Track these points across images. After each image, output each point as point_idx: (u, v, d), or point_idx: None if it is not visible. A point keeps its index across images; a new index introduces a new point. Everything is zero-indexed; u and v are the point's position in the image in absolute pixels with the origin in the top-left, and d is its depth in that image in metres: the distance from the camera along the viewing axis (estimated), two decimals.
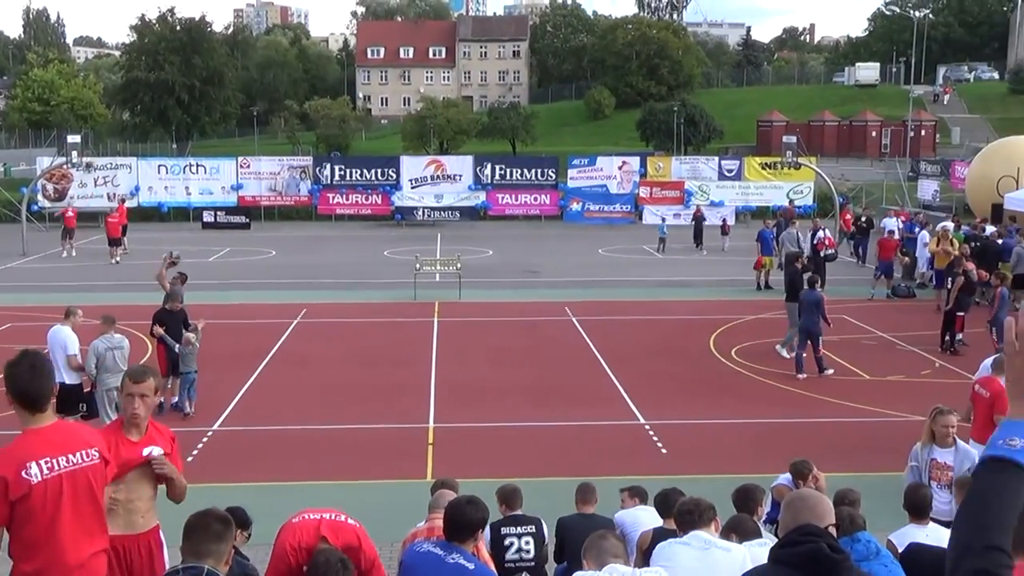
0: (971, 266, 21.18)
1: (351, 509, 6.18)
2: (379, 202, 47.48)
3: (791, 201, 42.47)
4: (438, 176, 47.76)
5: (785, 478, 8.87)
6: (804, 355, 18.53)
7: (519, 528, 7.85)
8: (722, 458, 13.72)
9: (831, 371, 18.44)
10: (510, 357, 20.20)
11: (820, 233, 27.77)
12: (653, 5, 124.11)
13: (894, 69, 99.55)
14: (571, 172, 48.26)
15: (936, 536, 7.12)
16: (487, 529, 7.54)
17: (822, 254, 27.35)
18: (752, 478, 9.12)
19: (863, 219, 33.63)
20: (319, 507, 6.05)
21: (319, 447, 14.52)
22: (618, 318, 24.40)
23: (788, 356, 19.51)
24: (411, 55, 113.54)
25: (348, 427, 15.49)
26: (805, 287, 18.99)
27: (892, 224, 30.87)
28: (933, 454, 9.19)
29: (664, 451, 14.37)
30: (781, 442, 14.07)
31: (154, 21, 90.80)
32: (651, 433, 15.15)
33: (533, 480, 11.69)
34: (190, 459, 12.96)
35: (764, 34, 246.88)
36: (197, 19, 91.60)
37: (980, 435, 11.74)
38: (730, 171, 48.18)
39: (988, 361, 13.23)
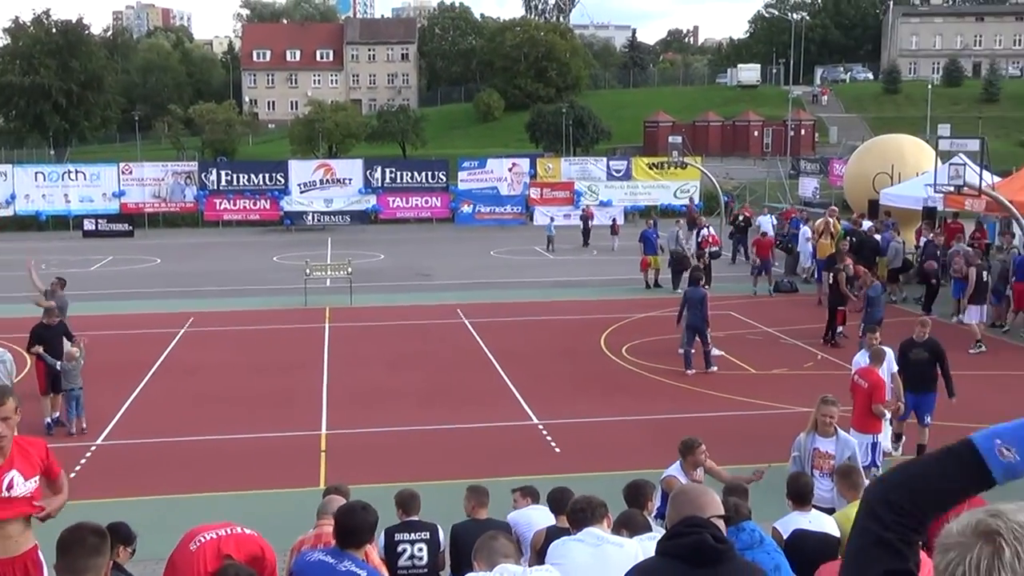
0: (849, 261, 21.83)
1: (242, 521, 6.06)
2: (267, 207, 46.81)
3: (692, 200, 43.26)
4: (327, 180, 47.30)
5: (674, 469, 9.01)
6: (692, 351, 18.86)
7: (413, 534, 7.78)
8: (615, 455, 13.87)
9: (715, 368, 18.80)
10: (403, 361, 20.09)
11: (704, 231, 28.36)
12: (540, 7, 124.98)
13: (774, 70, 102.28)
14: (461, 174, 48.30)
15: (818, 522, 7.32)
16: (381, 534, 7.47)
17: (707, 252, 27.93)
18: (644, 473, 9.25)
19: (741, 218, 34.30)
20: (209, 522, 5.90)
21: (208, 458, 14.21)
22: (510, 319, 24.50)
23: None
24: (298, 58, 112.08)
25: (238, 437, 15.20)
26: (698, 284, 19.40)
27: (767, 222, 31.59)
28: (815, 443, 9.45)
29: (558, 450, 14.46)
30: (672, 437, 14.13)
31: (28, 23, 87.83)
32: (544, 433, 15.24)
33: (428, 484, 11.63)
34: (73, 475, 12.53)
35: (649, 36, 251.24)
36: (74, 21, 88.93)
37: (860, 424, 12.13)
38: (618, 171, 48.84)
39: (860, 355, 13.67)
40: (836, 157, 52.71)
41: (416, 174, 48.56)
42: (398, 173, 48.34)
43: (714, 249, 28.48)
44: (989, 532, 1.61)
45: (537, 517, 7.95)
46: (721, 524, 3.53)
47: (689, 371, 18.61)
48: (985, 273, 21.45)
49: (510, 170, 48.68)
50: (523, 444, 14.78)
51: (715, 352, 19.08)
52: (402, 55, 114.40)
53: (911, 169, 31.53)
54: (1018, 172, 29.90)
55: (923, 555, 2.19)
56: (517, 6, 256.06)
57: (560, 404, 16.71)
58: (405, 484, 9.15)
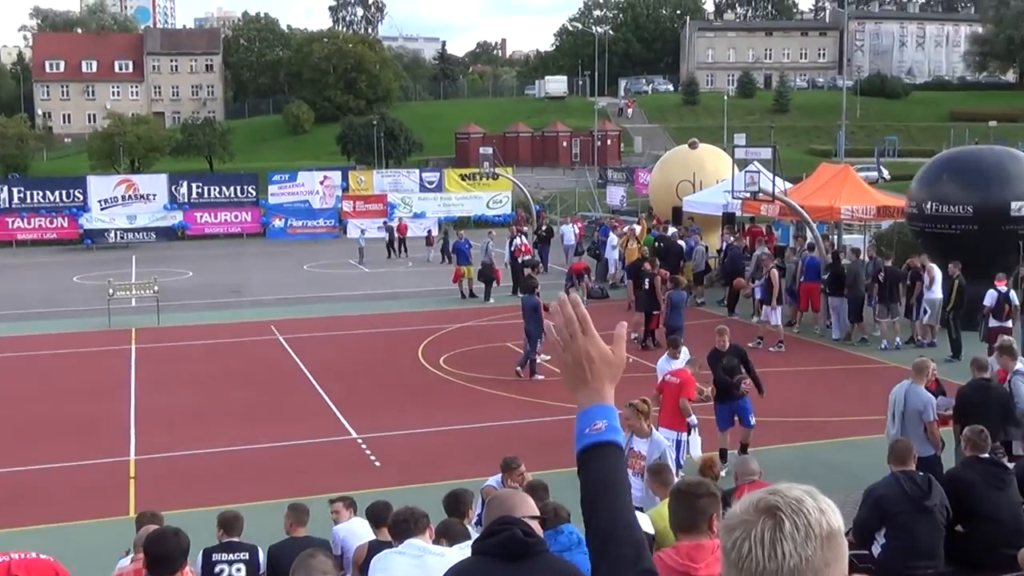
0: (647, 266, 22.54)
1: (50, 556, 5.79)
2: (65, 225, 44.70)
3: (521, 208, 43.78)
4: (130, 196, 45.58)
5: (494, 479, 9.12)
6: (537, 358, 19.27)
7: (231, 555, 7.62)
8: (435, 466, 13.90)
9: (540, 376, 19.20)
10: (215, 381, 19.56)
11: (517, 240, 28.80)
12: (348, 19, 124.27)
13: (580, 82, 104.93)
14: (272, 188, 47.45)
15: (643, 522, 7.53)
16: (199, 555, 7.29)
17: (519, 260, 28.38)
18: (465, 483, 9.33)
19: (544, 227, 34.79)
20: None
21: (9, 492, 13.44)
22: (326, 334, 24.21)
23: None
24: (95, 69, 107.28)
25: (41, 467, 14.45)
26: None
27: (569, 232, 32.29)
28: (632, 443, 9.75)
29: (378, 464, 14.39)
30: (491, 445, 14.42)
31: None
32: (364, 447, 15.13)
33: (248, 505, 11.36)
34: None
35: (459, 48, 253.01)
36: None
37: (668, 421, 12.56)
38: (431, 183, 49.03)
39: (664, 360, 14.10)
40: (641, 166, 54.52)
41: (224, 188, 47.38)
42: (205, 188, 47.04)
43: (527, 258, 28.95)
44: (769, 507, 1.76)
45: (360, 531, 7.91)
46: (535, 524, 3.60)
47: (536, 376, 19.11)
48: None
49: (322, 183, 48.15)
50: (343, 459, 14.63)
51: (540, 359, 19.45)
52: (206, 66, 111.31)
53: (711, 177, 32.90)
54: (808, 178, 31.63)
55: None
56: (325, 17, 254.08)
57: (379, 417, 16.63)
58: (222, 507, 8.92)
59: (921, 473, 7.42)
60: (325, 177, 48.85)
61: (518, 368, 19.31)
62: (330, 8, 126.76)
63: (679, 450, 12.40)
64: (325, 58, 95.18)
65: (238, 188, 47.45)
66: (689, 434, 12.55)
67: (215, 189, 47.21)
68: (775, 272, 22.14)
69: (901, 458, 7.52)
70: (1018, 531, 7.29)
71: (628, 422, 9.81)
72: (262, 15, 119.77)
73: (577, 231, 34.01)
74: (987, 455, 7.96)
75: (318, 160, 72.60)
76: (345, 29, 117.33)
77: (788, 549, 1.71)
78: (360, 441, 15.43)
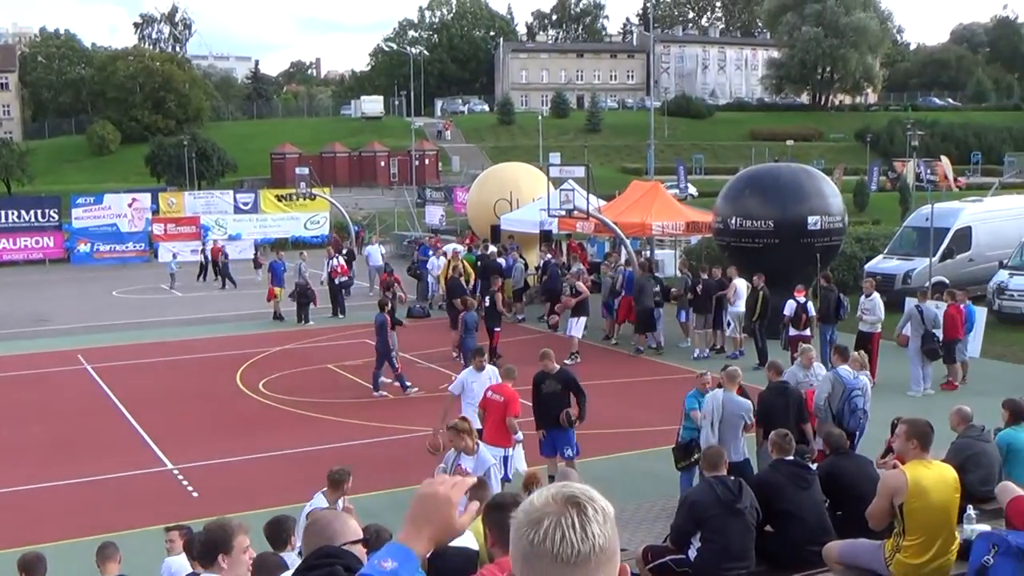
0: (494, 285, 22.73)
1: None
2: None
3: (337, 229, 43.17)
4: None
5: (318, 500, 8.99)
6: (399, 371, 19.30)
7: None
8: (256, 493, 13.57)
9: (381, 394, 19.18)
10: (18, 415, 18.52)
11: (333, 261, 28.49)
12: (154, 36, 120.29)
13: (397, 102, 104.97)
14: (76, 212, 45.40)
15: (467, 539, 7.52)
16: None
17: (336, 282, 28.08)
18: (288, 509, 9.14)
19: (345, 250, 33.43)
20: None
21: None
22: (138, 362, 23.30)
23: (391, 381, 19.86)
24: None
25: None
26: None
27: (375, 252, 32.13)
28: (460, 461, 9.81)
29: (196, 494, 13.93)
30: (315, 469, 14.15)
31: None
32: (180, 478, 14.63)
33: (55, 545, 10.81)
34: None
35: (272, 67, 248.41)
36: None
37: (492, 438, 12.63)
38: (246, 204, 47.99)
39: (468, 372, 14.16)
40: (459, 185, 54.86)
41: (24, 212, 45.05)
42: (3, 212, 44.62)
43: (344, 279, 28.68)
44: (570, 497, 1.97)
45: (184, 563, 7.64)
46: (358, 550, 3.52)
47: (411, 389, 19.29)
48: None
49: (130, 205, 46.41)
50: (158, 492, 14.09)
51: (383, 380, 19.43)
52: (1, 84, 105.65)
53: (527, 195, 33.43)
54: (620, 195, 32.58)
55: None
56: (130, 34, 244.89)
57: (196, 446, 16.11)
58: (24, 548, 8.44)
59: (732, 477, 7.73)
60: (134, 199, 47.10)
61: (375, 393, 19.40)
62: (135, 25, 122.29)
63: (506, 466, 12.51)
64: (131, 76, 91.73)
65: (39, 212, 45.19)
66: (513, 449, 12.68)
67: (13, 213, 44.84)
68: (580, 285, 22.70)
69: (714, 464, 7.82)
70: (822, 528, 7.69)
71: (453, 444, 9.86)
72: (62, 31, 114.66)
73: (383, 251, 33.86)
74: (791, 457, 8.37)
75: (126, 182, 69.86)
76: (151, 47, 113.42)
77: (596, 531, 1.93)
78: (176, 472, 14.91)
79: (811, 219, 22.90)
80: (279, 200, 48.23)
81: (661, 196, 28.96)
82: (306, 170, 41.10)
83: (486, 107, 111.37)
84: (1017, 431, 9.90)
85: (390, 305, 20.52)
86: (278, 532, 7.17)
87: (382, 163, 78.05)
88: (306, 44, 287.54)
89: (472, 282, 25.97)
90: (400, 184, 69.48)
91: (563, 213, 25.40)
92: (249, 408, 18.76)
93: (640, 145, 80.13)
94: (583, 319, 22.59)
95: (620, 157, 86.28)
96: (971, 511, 7.17)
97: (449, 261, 26.61)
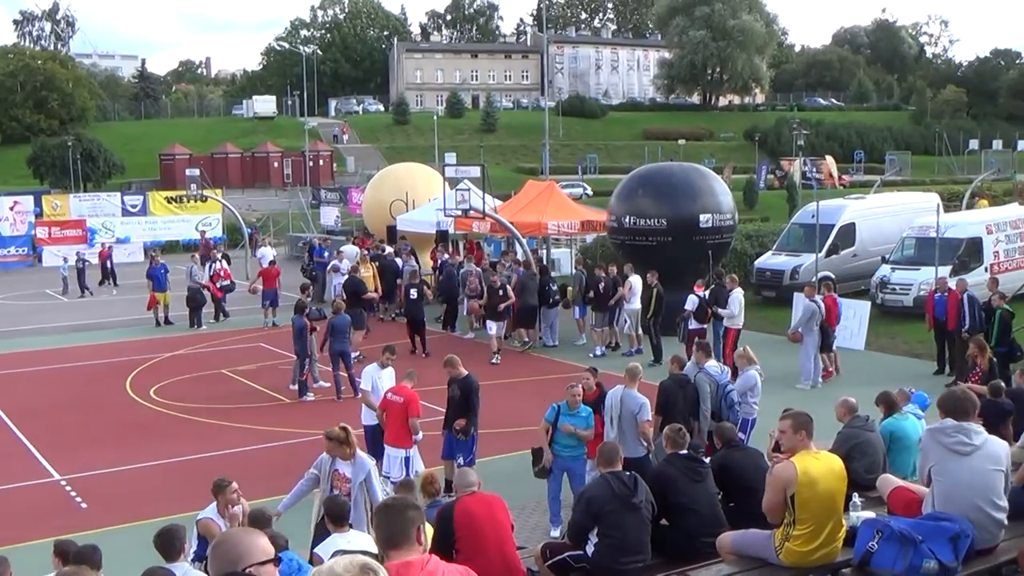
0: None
1: None
2: None
3: (203, 233, 42.29)
4: None
5: (210, 511, 8.83)
6: (305, 378, 19.02)
7: None
8: (147, 503, 13.24)
9: (308, 397, 18.96)
10: None
11: (216, 264, 27.95)
12: (35, 34, 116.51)
13: (290, 102, 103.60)
14: None
15: (358, 542, 7.46)
16: None
17: (219, 285, 27.55)
18: (180, 518, 8.94)
19: (220, 254, 31.58)
20: None
21: None
22: (22, 371, 22.51)
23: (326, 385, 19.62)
24: None
25: None
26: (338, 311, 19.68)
27: (268, 253, 31.70)
28: (335, 466, 9.73)
29: (84, 505, 13.52)
30: (208, 476, 13.85)
31: None
32: (68, 489, 14.18)
33: None
34: None
35: (160, 67, 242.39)
36: None
37: (394, 439, 12.55)
38: (135, 206, 46.83)
39: (372, 367, 14.09)
40: (354, 186, 54.41)
41: None
42: None
43: (226, 283, 28.14)
44: (366, 566, 2.49)
45: None
46: (267, 571, 3.38)
47: (328, 393, 19.08)
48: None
49: (11, 209, 44.88)
50: (45, 504, 13.62)
51: (305, 383, 19.27)
52: None
53: (423, 195, 33.32)
54: (516, 195, 32.70)
55: None
56: (9, 32, 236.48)
57: (85, 456, 15.62)
58: None
59: (628, 472, 7.81)
60: (15, 203, 45.54)
61: (291, 387, 19.35)
62: (15, 22, 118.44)
63: (408, 467, 12.44)
64: (10, 75, 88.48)
65: None
66: (412, 448, 12.63)
67: None
68: (509, 289, 22.59)
69: (609, 460, 7.88)
70: (715, 520, 7.83)
71: (329, 451, 9.77)
72: None
73: (275, 253, 33.42)
74: (685, 451, 8.51)
75: (6, 184, 67.41)
76: (32, 45, 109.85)
77: None
78: (63, 482, 14.44)
79: (703, 217, 23.32)
80: (169, 202, 47.16)
81: (556, 196, 29.14)
82: (196, 171, 40.11)
83: (381, 107, 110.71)
84: (899, 420, 10.24)
85: (309, 308, 20.29)
86: (169, 542, 6.98)
87: (275, 164, 76.93)
88: (195, 43, 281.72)
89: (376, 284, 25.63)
90: (294, 185, 68.58)
91: (459, 213, 25.34)
92: (139, 416, 18.28)
93: (535, 145, 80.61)
94: (503, 322, 22.64)
95: (516, 157, 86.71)
96: (856, 499, 7.38)
97: (359, 262, 26.11)
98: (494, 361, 21.42)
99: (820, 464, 6.63)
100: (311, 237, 37.30)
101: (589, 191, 60.71)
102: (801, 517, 6.54)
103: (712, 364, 13.16)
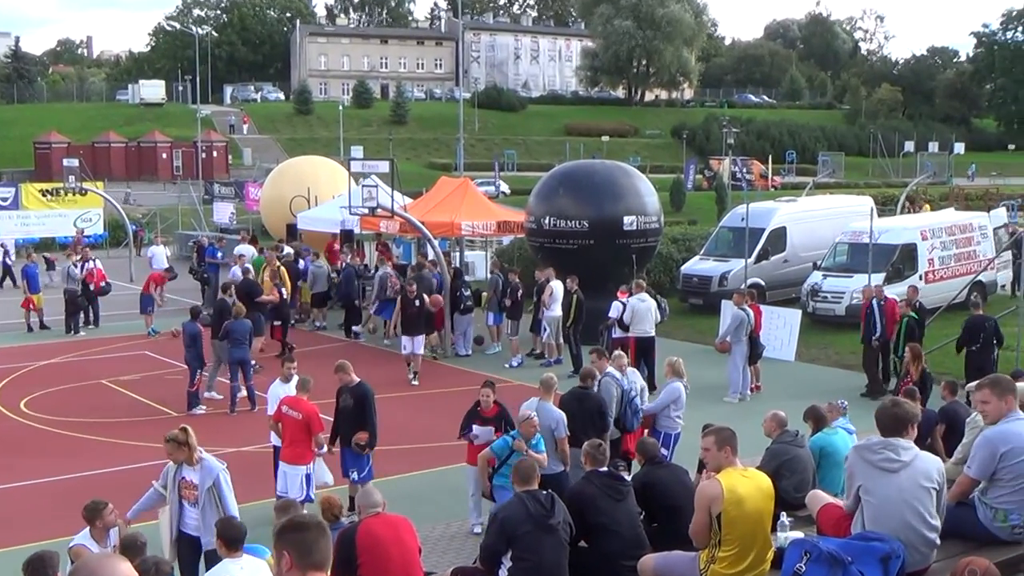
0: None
1: None
2: None
3: (81, 231, 41.33)
4: None
5: (83, 537, 8.67)
6: (197, 388, 18.85)
7: None
8: (15, 527, 12.90)
9: (199, 409, 18.75)
10: None
11: (90, 264, 27.41)
12: None
13: (181, 87, 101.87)
14: None
15: (251, 568, 7.31)
16: None
17: (91, 287, 27.04)
18: (53, 543, 8.75)
19: (79, 255, 28.81)
20: None
21: None
22: None
23: (219, 397, 19.41)
24: None
25: None
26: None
27: (160, 254, 31.18)
28: (181, 473, 9.65)
29: None
30: (85, 497, 13.57)
31: None
32: None
33: None
34: None
35: (35, 45, 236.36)
36: None
37: (291, 456, 12.35)
38: (5, 199, 45.49)
39: (276, 384, 13.91)
40: (251, 180, 53.71)
41: None
42: None
43: (102, 284, 27.59)
44: None
45: None
46: None
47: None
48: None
49: None
50: None
51: (205, 394, 19.15)
52: None
53: (327, 192, 33.05)
54: (428, 192, 32.63)
55: None
56: None
57: None
58: None
59: (544, 491, 7.82)
60: None
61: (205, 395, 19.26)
62: None
63: (308, 484, 12.29)
64: None
65: None
66: (314, 464, 12.48)
67: None
68: (437, 298, 22.17)
69: (525, 478, 7.88)
70: (637, 541, 7.89)
71: (171, 456, 9.68)
72: None
73: (167, 253, 32.88)
74: (605, 468, 8.56)
75: None
76: None
77: None
78: None
79: (627, 219, 23.47)
80: (44, 195, 45.92)
81: (471, 194, 29.06)
82: (76, 162, 39.18)
83: (281, 95, 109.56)
84: (828, 435, 10.46)
85: (201, 314, 20.02)
86: (40, 571, 6.82)
87: (164, 155, 75.48)
88: (75, 20, 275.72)
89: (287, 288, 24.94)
90: (185, 178, 67.43)
91: (366, 211, 25.10)
92: (8, 430, 17.80)
93: (449, 139, 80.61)
94: (421, 337, 21.96)
95: (428, 151, 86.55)
96: (784, 518, 7.51)
97: (266, 264, 25.23)
98: (413, 381, 21.02)
99: (748, 482, 6.73)
100: (201, 236, 36.65)
101: (506, 189, 60.82)
102: (727, 538, 6.62)
103: (615, 369, 13.34)
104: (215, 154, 75.61)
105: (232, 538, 7.53)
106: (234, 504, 9.43)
